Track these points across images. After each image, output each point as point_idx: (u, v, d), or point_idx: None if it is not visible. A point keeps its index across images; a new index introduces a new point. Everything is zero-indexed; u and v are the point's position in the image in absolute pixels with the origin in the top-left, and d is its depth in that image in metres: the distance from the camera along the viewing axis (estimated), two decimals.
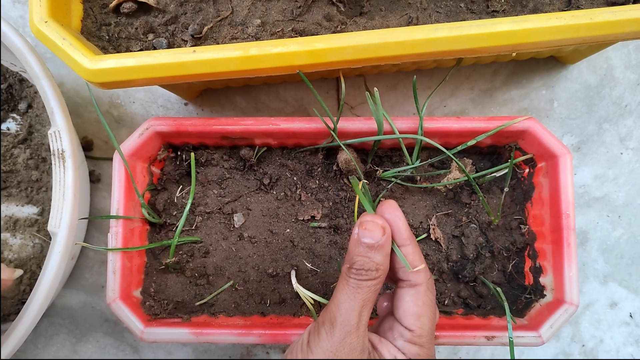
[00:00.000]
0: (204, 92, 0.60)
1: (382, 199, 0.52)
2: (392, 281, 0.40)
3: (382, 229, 0.37)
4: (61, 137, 0.48)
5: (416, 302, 0.37)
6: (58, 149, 0.48)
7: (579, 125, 0.59)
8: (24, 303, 0.52)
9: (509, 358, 0.58)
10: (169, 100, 0.61)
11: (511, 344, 0.45)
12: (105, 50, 0.45)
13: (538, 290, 0.49)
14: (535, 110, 0.59)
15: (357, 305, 0.35)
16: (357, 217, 0.47)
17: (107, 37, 0.46)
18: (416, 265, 0.37)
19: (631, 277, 0.59)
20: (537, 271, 0.50)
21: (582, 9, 0.41)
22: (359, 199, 0.49)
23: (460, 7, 0.45)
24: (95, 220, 0.60)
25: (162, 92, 0.61)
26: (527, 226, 0.51)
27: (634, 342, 0.59)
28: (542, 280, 0.49)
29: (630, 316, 0.59)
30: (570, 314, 0.46)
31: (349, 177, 0.49)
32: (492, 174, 0.51)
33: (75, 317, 0.60)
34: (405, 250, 0.38)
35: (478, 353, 0.59)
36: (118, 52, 0.45)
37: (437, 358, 0.59)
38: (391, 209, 0.38)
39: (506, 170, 0.50)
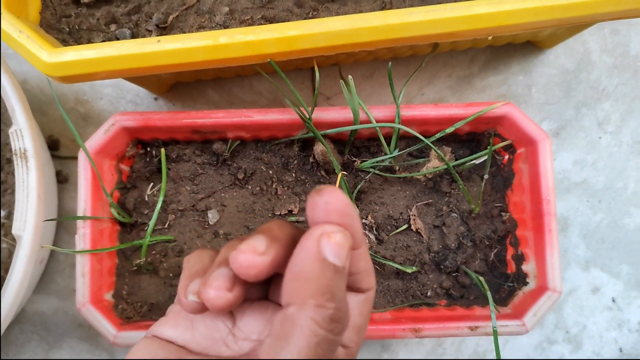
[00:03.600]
0: (175, 85, 0.58)
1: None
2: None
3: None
4: (23, 135, 0.46)
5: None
6: (20, 148, 0.46)
7: (557, 110, 0.59)
8: None
9: (494, 347, 0.58)
10: (138, 95, 0.58)
11: (495, 334, 0.44)
12: (65, 43, 0.43)
13: (521, 278, 0.49)
14: (514, 96, 0.59)
15: None
16: None
17: (67, 29, 0.43)
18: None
19: (612, 261, 0.59)
20: (519, 259, 0.49)
21: None
22: None
23: None
24: (64, 222, 0.57)
25: (131, 87, 0.58)
26: (508, 213, 0.50)
27: (617, 326, 0.59)
28: (525, 267, 0.49)
29: (613, 301, 0.59)
30: (554, 301, 0.45)
31: (341, 175, 0.47)
32: (472, 162, 0.50)
33: (47, 323, 0.58)
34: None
35: (463, 344, 0.59)
36: (79, 44, 0.43)
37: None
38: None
39: (485, 158, 0.49)
